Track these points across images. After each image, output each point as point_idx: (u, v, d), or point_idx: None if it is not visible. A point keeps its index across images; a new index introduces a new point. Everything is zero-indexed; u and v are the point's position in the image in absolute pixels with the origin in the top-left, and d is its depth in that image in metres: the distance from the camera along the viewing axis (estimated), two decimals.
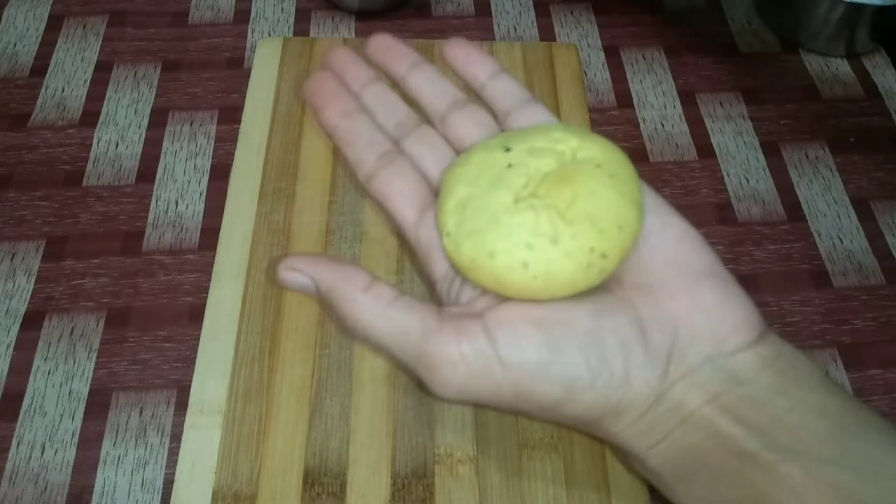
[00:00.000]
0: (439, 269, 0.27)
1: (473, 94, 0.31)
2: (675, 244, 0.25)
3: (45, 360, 0.35)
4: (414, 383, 0.27)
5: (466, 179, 0.26)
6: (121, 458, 0.33)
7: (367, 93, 0.30)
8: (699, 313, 0.24)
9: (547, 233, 0.23)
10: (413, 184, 0.28)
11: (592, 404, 0.23)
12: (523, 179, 0.25)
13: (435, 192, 0.28)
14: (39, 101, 0.45)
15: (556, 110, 0.43)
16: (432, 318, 0.24)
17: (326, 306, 0.25)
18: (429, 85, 0.30)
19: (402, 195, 0.27)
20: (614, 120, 0.45)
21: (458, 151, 0.29)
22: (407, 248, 0.29)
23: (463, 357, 0.23)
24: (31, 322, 0.37)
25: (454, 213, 0.25)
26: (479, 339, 0.23)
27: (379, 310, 0.24)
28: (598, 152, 0.25)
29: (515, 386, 0.23)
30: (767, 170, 0.44)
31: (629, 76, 0.47)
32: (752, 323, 0.24)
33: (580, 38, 0.49)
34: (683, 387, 0.23)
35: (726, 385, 0.23)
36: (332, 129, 0.29)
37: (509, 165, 0.25)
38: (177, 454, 0.32)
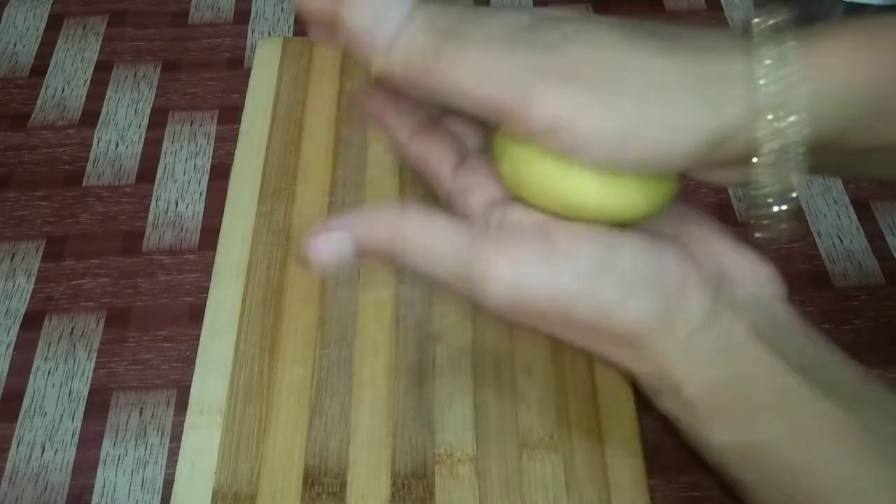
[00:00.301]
0: (479, 196, 0.26)
1: None
2: (710, 224, 0.27)
3: (45, 360, 0.35)
4: (460, 293, 0.24)
5: None
6: (121, 458, 0.33)
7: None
8: (740, 258, 0.25)
9: None
10: (447, 148, 0.28)
11: (648, 310, 0.23)
12: None
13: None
14: (39, 101, 0.45)
15: None
16: (481, 227, 0.24)
17: (371, 256, 0.24)
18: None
19: (439, 155, 0.27)
20: None
21: None
22: (445, 201, 0.28)
23: (517, 257, 0.23)
24: (31, 322, 0.37)
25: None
26: (534, 238, 0.23)
27: (426, 222, 0.24)
28: None
29: (570, 288, 0.23)
30: None
31: None
32: (784, 285, 0.25)
33: None
34: (732, 316, 0.23)
35: (769, 325, 0.24)
36: (375, 118, 0.30)
37: None
38: (177, 454, 0.32)
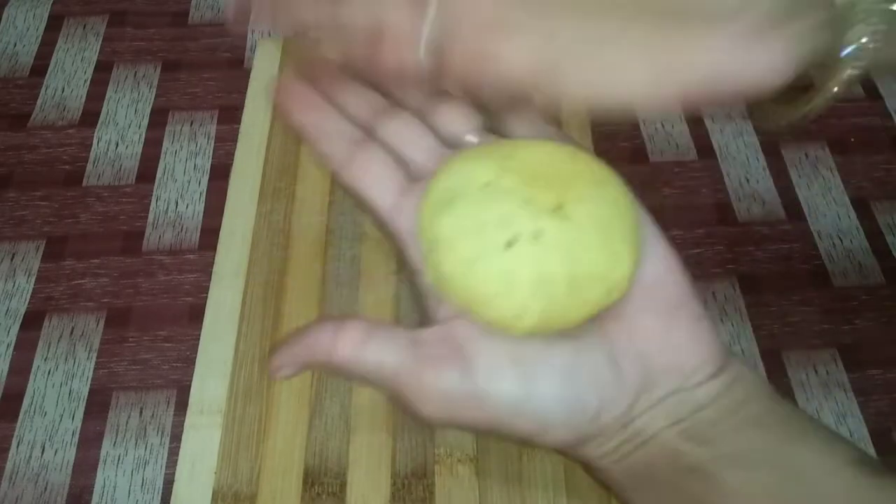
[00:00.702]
0: (419, 261, 0.26)
1: None
2: (657, 275, 0.25)
3: (45, 360, 0.35)
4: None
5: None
6: (121, 458, 0.33)
7: (339, 88, 0.29)
8: (670, 352, 0.25)
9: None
10: (390, 169, 0.27)
11: (564, 437, 0.24)
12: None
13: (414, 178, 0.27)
14: (39, 101, 0.45)
15: (556, 111, 0.43)
16: (408, 352, 0.24)
17: (320, 369, 0.26)
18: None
19: (375, 181, 0.27)
20: (614, 120, 0.45)
21: (443, 142, 0.28)
22: (385, 235, 0.28)
23: (440, 391, 0.24)
24: (31, 322, 0.37)
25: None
26: (455, 373, 0.24)
27: (355, 354, 0.25)
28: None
29: (493, 419, 0.24)
30: (767, 170, 0.44)
31: None
32: (716, 357, 0.25)
33: None
34: (649, 416, 0.24)
35: (688, 412, 0.24)
36: (300, 127, 0.28)
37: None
38: (177, 454, 0.32)
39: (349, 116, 0.29)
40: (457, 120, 0.28)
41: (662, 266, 0.25)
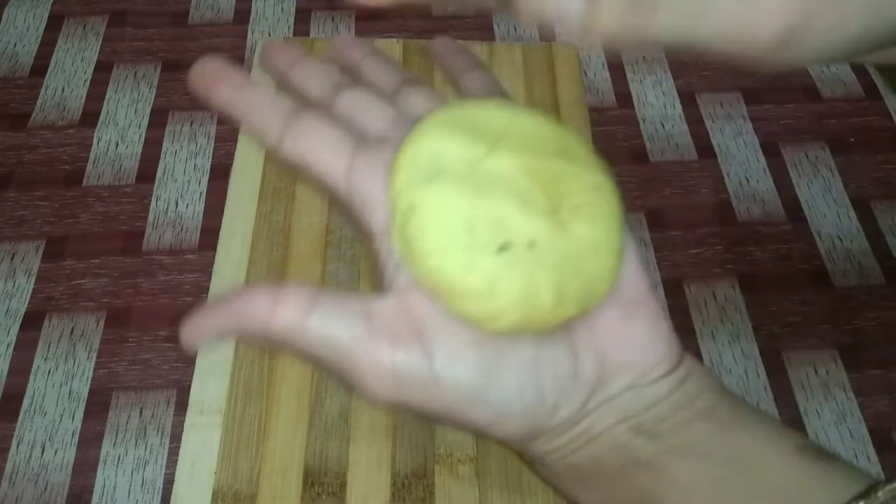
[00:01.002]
0: (378, 221, 0.24)
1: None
2: (621, 273, 0.25)
3: (45, 360, 0.35)
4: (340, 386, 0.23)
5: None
6: (121, 458, 0.33)
7: (296, 71, 0.27)
8: (629, 348, 0.24)
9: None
10: (338, 132, 0.24)
11: (518, 430, 0.23)
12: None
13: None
14: (39, 101, 0.45)
15: (556, 110, 0.43)
16: (361, 324, 0.22)
17: (250, 340, 0.23)
18: (382, 69, 0.28)
19: (324, 143, 0.24)
20: (614, 120, 0.45)
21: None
22: (337, 206, 0.25)
23: (395, 370, 0.22)
24: (31, 322, 0.37)
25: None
26: (413, 352, 0.22)
27: (299, 323, 0.22)
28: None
29: (448, 406, 0.22)
30: (767, 170, 0.44)
31: (629, 76, 0.47)
32: (672, 355, 0.25)
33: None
34: (601, 412, 0.24)
35: (640, 408, 0.24)
36: (227, 105, 0.25)
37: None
38: (177, 454, 0.32)
39: (296, 94, 0.26)
40: (420, 102, 0.26)
41: (627, 260, 0.25)
